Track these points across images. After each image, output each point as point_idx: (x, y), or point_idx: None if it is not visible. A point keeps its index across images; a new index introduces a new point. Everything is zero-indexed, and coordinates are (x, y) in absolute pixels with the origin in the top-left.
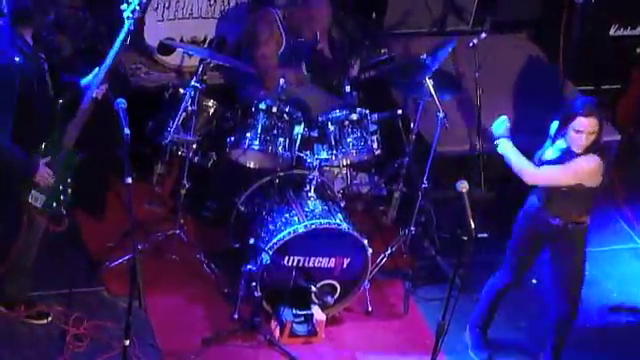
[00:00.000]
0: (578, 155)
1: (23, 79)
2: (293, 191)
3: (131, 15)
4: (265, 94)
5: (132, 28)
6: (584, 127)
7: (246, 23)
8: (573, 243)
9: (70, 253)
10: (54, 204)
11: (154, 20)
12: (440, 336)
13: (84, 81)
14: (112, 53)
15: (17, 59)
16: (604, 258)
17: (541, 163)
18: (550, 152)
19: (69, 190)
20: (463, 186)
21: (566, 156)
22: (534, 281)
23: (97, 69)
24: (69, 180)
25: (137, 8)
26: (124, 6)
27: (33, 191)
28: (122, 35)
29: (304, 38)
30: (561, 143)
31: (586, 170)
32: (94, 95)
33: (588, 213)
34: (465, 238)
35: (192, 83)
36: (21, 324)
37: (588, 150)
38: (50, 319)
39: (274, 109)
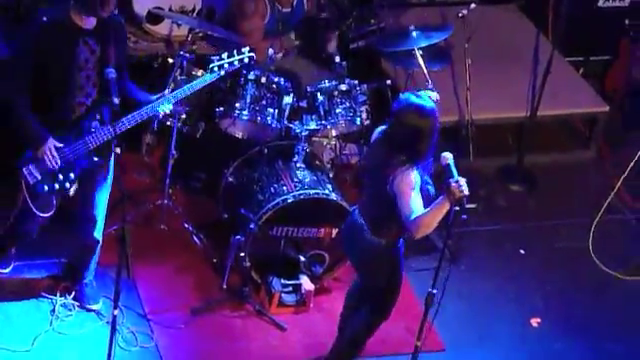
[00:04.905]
0: None
1: (42, 42)
2: (282, 161)
3: (216, 70)
4: (253, 64)
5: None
6: None
7: None
8: None
9: (59, 223)
10: (45, 187)
11: None
12: (429, 306)
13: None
14: (187, 89)
15: (44, 18)
16: (591, 229)
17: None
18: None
19: (67, 184)
20: (447, 157)
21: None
22: (522, 251)
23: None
24: (72, 175)
25: (226, 66)
26: (215, 58)
27: (31, 165)
28: (202, 80)
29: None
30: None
31: None
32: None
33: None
34: (456, 209)
35: (181, 53)
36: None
37: None
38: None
39: (263, 79)
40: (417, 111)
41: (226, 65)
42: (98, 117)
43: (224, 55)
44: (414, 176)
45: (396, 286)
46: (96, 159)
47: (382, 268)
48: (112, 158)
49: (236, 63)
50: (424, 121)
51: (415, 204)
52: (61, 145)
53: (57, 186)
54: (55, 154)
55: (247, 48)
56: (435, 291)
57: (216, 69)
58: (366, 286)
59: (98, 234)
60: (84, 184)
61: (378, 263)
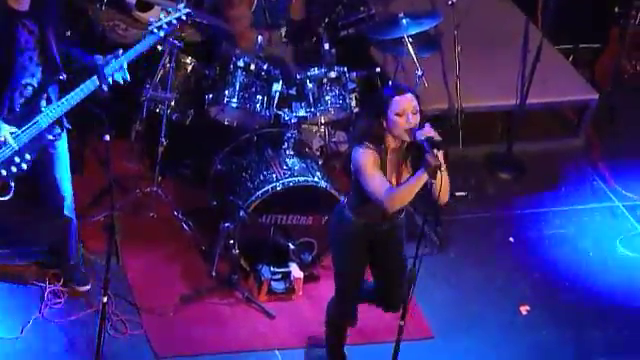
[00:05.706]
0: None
1: None
2: (271, 149)
3: (156, 31)
4: (242, 51)
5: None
6: (404, 105)
7: None
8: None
9: (32, 210)
10: (4, 172)
11: None
12: (412, 282)
13: (100, 61)
14: (138, 49)
15: None
16: (580, 217)
17: None
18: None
19: (24, 165)
20: (422, 133)
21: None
22: (511, 239)
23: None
24: (28, 156)
25: (165, 27)
26: (154, 20)
27: None
28: (146, 42)
29: None
30: None
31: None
32: (119, 80)
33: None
34: (433, 181)
35: (170, 40)
36: None
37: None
38: None
39: (252, 66)
40: (376, 91)
41: (165, 25)
42: (45, 96)
43: (162, 15)
44: (362, 154)
45: (352, 268)
46: (50, 137)
47: (342, 243)
48: (65, 134)
49: (174, 22)
50: (373, 99)
51: (374, 181)
52: (15, 130)
53: (14, 169)
54: (11, 141)
55: (182, 5)
56: (416, 267)
57: (155, 30)
58: (334, 263)
59: (68, 211)
60: (42, 164)
61: (345, 238)
